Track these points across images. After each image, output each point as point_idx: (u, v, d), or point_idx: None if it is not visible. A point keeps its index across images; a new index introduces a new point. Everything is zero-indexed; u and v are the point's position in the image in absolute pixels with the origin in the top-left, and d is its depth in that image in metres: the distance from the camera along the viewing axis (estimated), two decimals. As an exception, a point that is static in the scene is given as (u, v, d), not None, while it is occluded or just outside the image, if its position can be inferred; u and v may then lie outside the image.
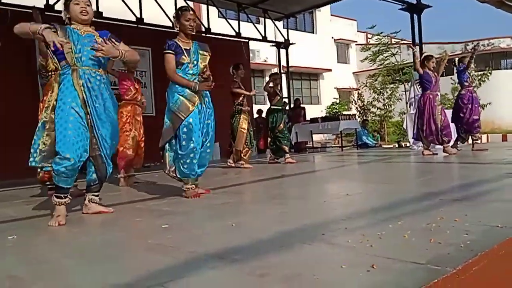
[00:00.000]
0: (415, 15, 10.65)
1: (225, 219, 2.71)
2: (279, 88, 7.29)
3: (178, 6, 9.63)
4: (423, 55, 7.27)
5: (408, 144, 10.15)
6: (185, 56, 3.58)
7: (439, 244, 1.79)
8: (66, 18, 2.98)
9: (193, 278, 1.60)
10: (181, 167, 3.54)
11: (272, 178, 5.29)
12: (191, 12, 3.65)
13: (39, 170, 3.99)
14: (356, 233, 2.06)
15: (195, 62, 3.62)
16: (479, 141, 7.73)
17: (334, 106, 19.77)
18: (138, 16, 9.20)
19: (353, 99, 18.37)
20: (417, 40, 10.74)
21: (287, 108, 10.01)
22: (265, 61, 19.34)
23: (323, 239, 2.02)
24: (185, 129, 3.48)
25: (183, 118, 3.48)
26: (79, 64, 2.85)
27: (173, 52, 3.56)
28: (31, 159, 2.99)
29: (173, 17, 3.77)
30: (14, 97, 6.98)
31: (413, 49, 7.26)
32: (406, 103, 11.35)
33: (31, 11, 4.01)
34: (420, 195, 3.20)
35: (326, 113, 18.62)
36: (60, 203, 2.78)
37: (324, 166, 7.07)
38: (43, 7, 7.59)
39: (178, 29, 3.65)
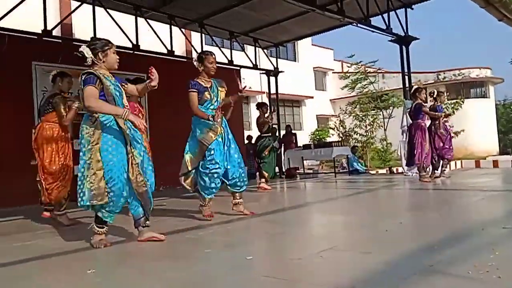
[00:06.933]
0: (403, 46, 11.12)
1: (310, 249, 2.71)
2: (268, 116, 7.42)
3: (173, 36, 9.91)
4: (414, 87, 7.69)
5: (401, 170, 10.42)
6: (208, 94, 4.03)
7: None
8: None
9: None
10: (203, 183, 4.01)
11: (321, 201, 5.27)
12: (213, 56, 4.12)
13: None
14: (466, 263, 2.08)
15: (215, 98, 4.07)
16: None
17: (318, 132, 20.08)
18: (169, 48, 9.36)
19: (335, 125, 18.72)
20: (405, 70, 11.20)
21: (276, 134, 10.20)
22: (250, 88, 19.48)
23: (435, 270, 2.03)
24: (210, 152, 3.95)
25: (207, 145, 3.96)
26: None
27: (196, 91, 4.00)
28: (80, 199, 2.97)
29: (195, 60, 4.14)
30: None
31: None
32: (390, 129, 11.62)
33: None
34: (477, 224, 3.28)
35: (311, 139, 18.86)
36: (102, 232, 3.08)
37: (339, 194, 6.83)
38: (40, 32, 7.44)
39: (201, 69, 4.09)
